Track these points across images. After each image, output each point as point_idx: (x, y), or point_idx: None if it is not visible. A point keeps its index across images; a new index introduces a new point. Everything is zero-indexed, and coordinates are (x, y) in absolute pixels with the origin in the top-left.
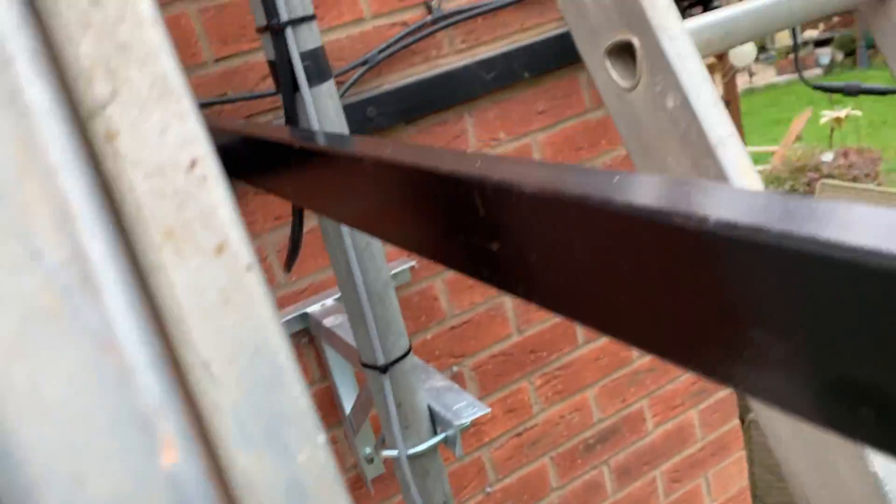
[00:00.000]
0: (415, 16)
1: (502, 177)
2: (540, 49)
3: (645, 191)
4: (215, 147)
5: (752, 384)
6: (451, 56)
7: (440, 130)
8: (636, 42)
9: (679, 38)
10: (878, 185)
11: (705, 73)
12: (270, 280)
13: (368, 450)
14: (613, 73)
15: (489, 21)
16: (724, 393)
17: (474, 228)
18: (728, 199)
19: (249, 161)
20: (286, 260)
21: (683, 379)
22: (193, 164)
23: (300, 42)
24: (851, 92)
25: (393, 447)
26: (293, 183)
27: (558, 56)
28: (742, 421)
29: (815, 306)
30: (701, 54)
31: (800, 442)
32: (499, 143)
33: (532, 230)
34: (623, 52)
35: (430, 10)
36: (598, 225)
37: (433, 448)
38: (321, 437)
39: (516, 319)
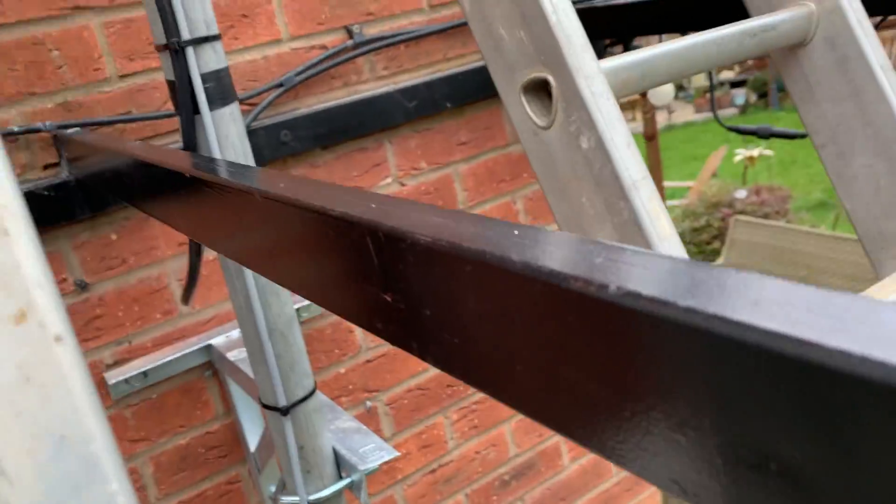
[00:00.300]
0: (335, 39)
1: (396, 223)
2: (463, 80)
3: (545, 249)
4: (110, 170)
5: (653, 471)
6: (372, 82)
7: (359, 157)
8: (552, 80)
9: (594, 78)
10: (788, 221)
11: (620, 114)
12: (172, 310)
13: (274, 488)
14: (529, 111)
15: (412, 49)
16: None
17: (368, 277)
18: (633, 264)
19: (143, 187)
20: (184, 292)
21: None
22: None
23: (202, 63)
24: (763, 135)
25: (293, 492)
26: (185, 213)
27: (481, 88)
28: None
29: (722, 388)
30: (617, 95)
31: None
32: (420, 172)
33: (426, 283)
34: (539, 90)
35: (351, 34)
36: (494, 284)
37: (337, 493)
38: None
39: None
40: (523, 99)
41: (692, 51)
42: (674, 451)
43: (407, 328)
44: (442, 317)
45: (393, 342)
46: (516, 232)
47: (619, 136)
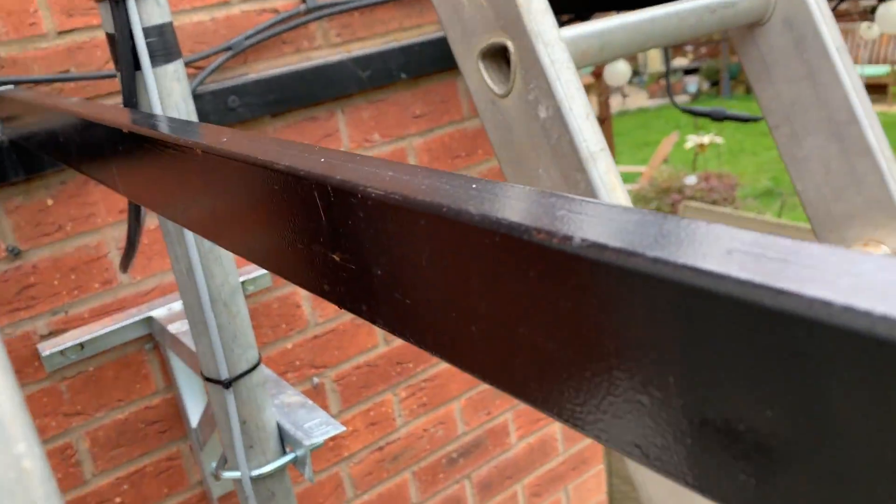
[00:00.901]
0: (287, 3)
1: (346, 177)
2: (419, 51)
3: (505, 202)
4: (46, 129)
5: (613, 434)
6: (325, 49)
7: (310, 127)
8: (510, 45)
9: (554, 45)
10: (735, 208)
11: (579, 83)
12: (111, 280)
13: (215, 465)
14: (487, 78)
15: (367, 16)
16: None
17: (315, 235)
18: (597, 216)
19: (79, 146)
20: (122, 259)
21: None
22: None
23: (144, 15)
24: (717, 117)
25: (235, 468)
26: (123, 173)
27: (437, 60)
28: None
29: (690, 344)
30: (576, 66)
31: None
32: (373, 144)
33: (378, 240)
34: (498, 57)
35: None
36: (450, 238)
37: (280, 469)
38: None
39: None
40: (481, 66)
41: (652, 24)
42: (636, 412)
43: (356, 290)
44: (394, 276)
45: (341, 305)
46: (474, 185)
47: (579, 106)
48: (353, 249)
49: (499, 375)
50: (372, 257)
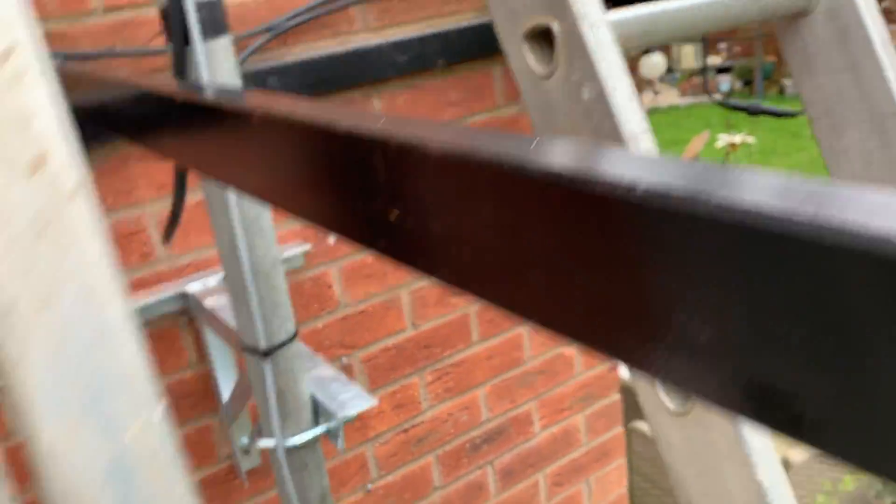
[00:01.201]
0: None
1: (406, 137)
2: (456, 37)
3: (566, 156)
4: (97, 101)
5: (671, 373)
6: (364, 33)
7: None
8: (555, 27)
9: (600, 27)
10: None
11: (624, 65)
12: (149, 254)
13: (245, 440)
14: (530, 59)
15: (406, 1)
16: (611, 399)
17: (373, 194)
18: (659, 166)
19: (130, 116)
20: (165, 228)
21: (572, 383)
22: (8, 54)
23: None
24: (753, 111)
25: (270, 437)
26: (175, 140)
27: (474, 47)
28: (624, 428)
29: (749, 288)
30: (620, 48)
31: (689, 448)
32: None
33: (437, 197)
34: (542, 38)
35: None
36: (511, 192)
37: (314, 440)
38: (158, 410)
39: (412, 313)
40: (525, 47)
41: (696, 10)
42: (696, 355)
43: (413, 245)
44: (452, 231)
45: (397, 259)
46: (535, 143)
47: (622, 88)
48: (411, 207)
49: (561, 322)
50: (431, 214)
